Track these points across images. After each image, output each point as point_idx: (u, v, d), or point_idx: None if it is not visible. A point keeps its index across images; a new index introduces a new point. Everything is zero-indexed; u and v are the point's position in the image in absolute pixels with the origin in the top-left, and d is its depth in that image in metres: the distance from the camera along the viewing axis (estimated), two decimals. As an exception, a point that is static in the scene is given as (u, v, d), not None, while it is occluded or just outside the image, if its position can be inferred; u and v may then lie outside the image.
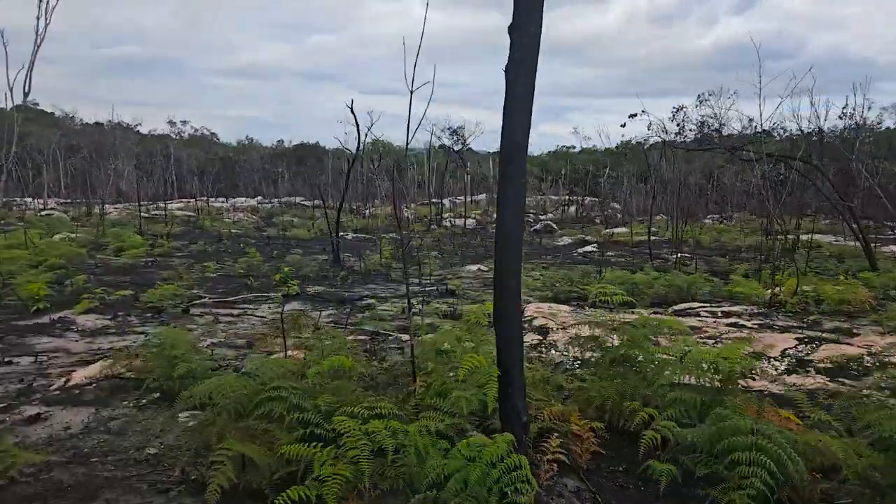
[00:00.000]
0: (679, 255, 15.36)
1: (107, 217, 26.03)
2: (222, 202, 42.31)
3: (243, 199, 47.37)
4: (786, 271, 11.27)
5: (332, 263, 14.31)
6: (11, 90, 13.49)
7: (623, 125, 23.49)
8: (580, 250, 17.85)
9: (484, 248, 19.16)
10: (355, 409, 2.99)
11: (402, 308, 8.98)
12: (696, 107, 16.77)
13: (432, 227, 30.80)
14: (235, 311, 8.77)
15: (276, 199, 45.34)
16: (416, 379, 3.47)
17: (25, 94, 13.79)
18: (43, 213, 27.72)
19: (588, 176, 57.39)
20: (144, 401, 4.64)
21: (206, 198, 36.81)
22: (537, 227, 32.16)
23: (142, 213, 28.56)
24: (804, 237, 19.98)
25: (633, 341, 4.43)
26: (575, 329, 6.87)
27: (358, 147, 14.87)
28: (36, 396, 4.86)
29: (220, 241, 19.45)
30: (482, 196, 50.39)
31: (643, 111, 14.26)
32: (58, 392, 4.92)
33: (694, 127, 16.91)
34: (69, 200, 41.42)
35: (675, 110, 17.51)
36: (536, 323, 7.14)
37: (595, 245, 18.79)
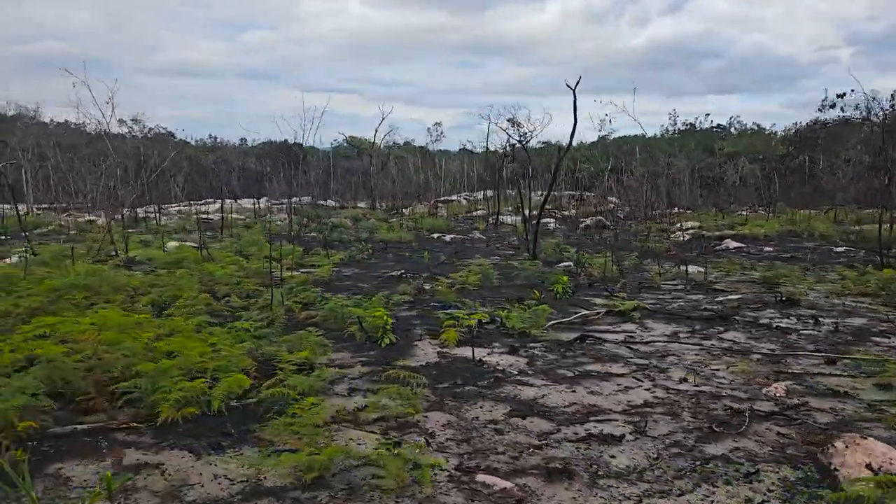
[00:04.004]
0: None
1: (161, 223, 23.24)
2: (231, 203, 39.24)
3: (247, 200, 44.21)
4: None
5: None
6: None
7: (832, 106, 22.69)
8: (729, 246, 16.73)
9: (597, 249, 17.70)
10: None
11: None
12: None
13: (488, 225, 29.24)
14: (617, 337, 7.07)
15: (289, 200, 42.51)
16: None
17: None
18: (83, 220, 24.52)
19: (575, 171, 56.77)
20: None
21: (233, 199, 33.93)
22: (587, 222, 31.05)
23: (194, 218, 25.78)
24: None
25: None
26: None
27: (570, 140, 13.19)
28: None
29: (327, 247, 17.14)
30: (479, 193, 48.93)
31: (853, 89, 13.23)
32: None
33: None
34: (55, 205, 37.48)
35: None
36: None
37: (731, 239, 17.73)
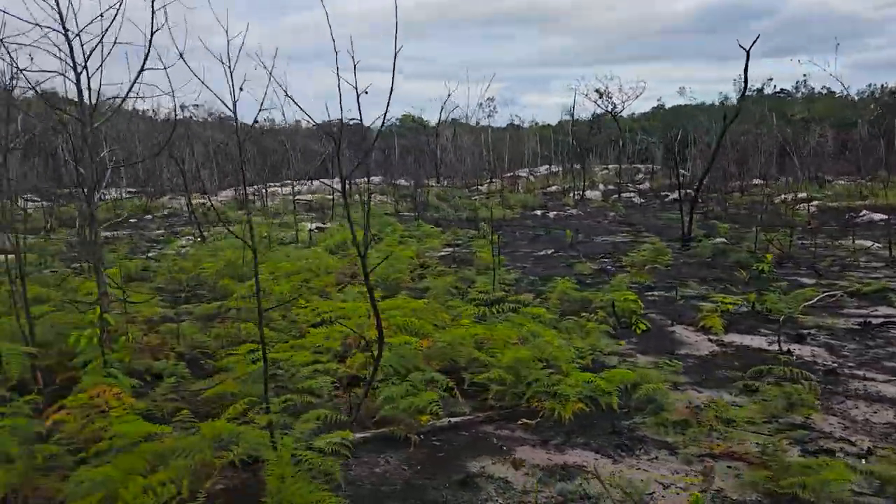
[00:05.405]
0: None
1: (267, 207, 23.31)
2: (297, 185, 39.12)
3: (319, 181, 44.07)
4: None
5: (684, 245, 11.95)
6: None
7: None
8: (872, 219, 15.63)
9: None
10: None
11: None
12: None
13: (577, 201, 28.43)
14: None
15: (415, 182, 41.87)
16: None
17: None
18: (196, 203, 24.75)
19: (636, 143, 54.60)
20: None
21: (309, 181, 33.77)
22: (675, 195, 29.87)
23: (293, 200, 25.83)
24: None
25: None
26: None
27: (740, 102, 12.31)
28: None
29: (477, 227, 16.55)
30: (543, 167, 47.67)
31: None
32: None
33: None
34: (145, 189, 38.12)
35: None
36: None
37: (868, 211, 16.59)
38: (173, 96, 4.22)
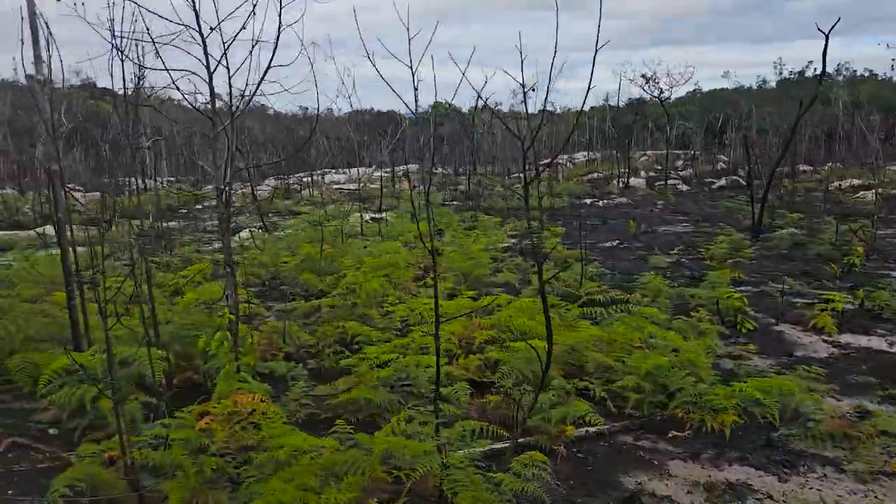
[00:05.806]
0: None
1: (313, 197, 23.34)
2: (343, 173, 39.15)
3: (358, 169, 44.00)
4: None
5: (755, 236, 11.51)
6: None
7: None
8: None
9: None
10: None
11: None
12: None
13: (622, 189, 27.87)
14: None
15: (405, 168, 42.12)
16: None
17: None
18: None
19: (673, 128, 52.88)
20: None
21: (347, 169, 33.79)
22: (722, 183, 29.14)
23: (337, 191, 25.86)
24: None
25: None
26: None
27: (819, 84, 11.78)
28: None
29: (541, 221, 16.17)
30: (580, 154, 46.85)
31: None
32: None
33: None
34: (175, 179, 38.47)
35: None
36: None
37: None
38: (317, 93, 4.09)
